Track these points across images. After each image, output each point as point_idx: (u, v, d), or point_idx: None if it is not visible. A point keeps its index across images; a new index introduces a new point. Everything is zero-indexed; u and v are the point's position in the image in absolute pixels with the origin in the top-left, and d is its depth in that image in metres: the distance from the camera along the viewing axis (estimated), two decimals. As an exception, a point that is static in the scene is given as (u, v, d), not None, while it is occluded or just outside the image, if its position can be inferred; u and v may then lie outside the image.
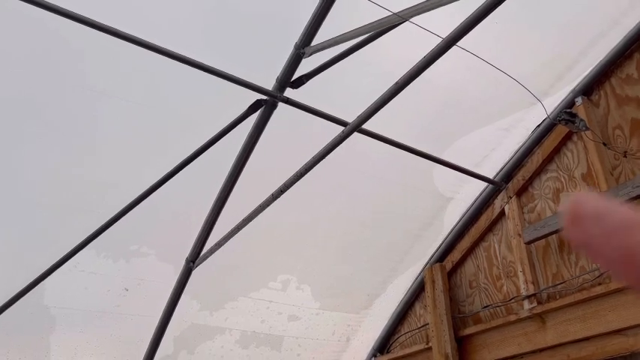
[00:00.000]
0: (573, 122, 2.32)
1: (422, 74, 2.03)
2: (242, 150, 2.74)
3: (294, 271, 3.52)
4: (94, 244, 2.95)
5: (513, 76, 2.97)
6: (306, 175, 2.70)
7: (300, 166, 2.64)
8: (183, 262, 3.25)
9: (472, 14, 1.61)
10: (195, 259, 3.17)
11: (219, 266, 3.28)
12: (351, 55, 2.57)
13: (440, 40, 1.69)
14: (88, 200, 2.72)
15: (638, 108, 2.86)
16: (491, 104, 3.18)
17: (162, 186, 2.66)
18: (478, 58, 1.95)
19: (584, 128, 2.39)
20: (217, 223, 3.00)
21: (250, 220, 2.76)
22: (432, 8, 1.65)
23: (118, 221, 2.84)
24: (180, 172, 2.63)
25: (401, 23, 1.81)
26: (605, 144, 2.72)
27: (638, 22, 2.91)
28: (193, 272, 3.27)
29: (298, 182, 2.73)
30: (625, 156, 2.82)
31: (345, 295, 3.78)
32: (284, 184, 2.56)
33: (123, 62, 2.28)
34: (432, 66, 1.99)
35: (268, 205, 2.63)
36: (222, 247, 2.98)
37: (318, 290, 3.68)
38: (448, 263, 3.70)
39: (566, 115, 2.34)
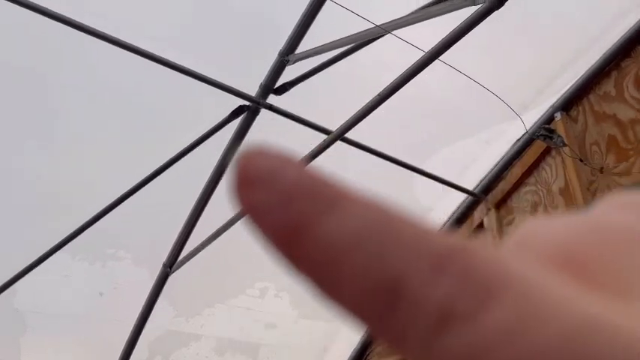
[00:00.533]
0: (551, 138, 2.36)
1: (405, 85, 2.05)
2: (223, 156, 2.72)
3: (273, 278, 3.50)
4: (69, 247, 2.89)
5: (495, 88, 3.01)
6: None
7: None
8: (160, 267, 3.20)
9: (455, 29, 1.63)
10: (172, 264, 3.13)
11: (197, 272, 3.24)
12: (336, 64, 2.59)
13: (423, 53, 1.70)
14: (63, 202, 2.68)
15: (614, 125, 2.91)
16: (472, 116, 3.22)
17: (141, 190, 2.63)
18: (459, 72, 1.97)
19: (561, 144, 2.43)
20: (196, 228, 2.97)
21: (229, 227, 2.75)
22: (415, 22, 1.66)
23: (95, 224, 2.80)
24: (160, 176, 2.61)
25: (383, 35, 1.82)
26: (581, 160, 2.77)
27: (616, 40, 2.97)
28: (170, 278, 3.22)
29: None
30: (601, 172, 2.86)
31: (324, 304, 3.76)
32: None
33: (102, 62, 2.25)
34: (415, 77, 2.01)
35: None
36: (200, 252, 2.95)
37: (296, 298, 3.66)
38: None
39: (544, 130, 2.38)
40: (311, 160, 2.54)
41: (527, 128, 3.25)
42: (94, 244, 2.94)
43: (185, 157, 2.62)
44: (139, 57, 2.18)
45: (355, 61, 2.67)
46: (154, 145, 2.59)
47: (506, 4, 1.70)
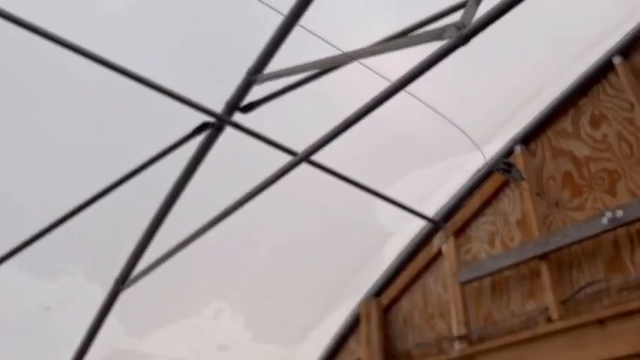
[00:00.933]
0: (510, 172, 2.42)
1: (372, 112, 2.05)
2: (183, 172, 2.67)
3: (228, 299, 3.43)
4: (16, 260, 2.76)
5: (459, 120, 3.07)
6: (249, 203, 2.66)
7: (244, 193, 2.60)
8: (112, 283, 3.09)
9: (421, 62, 1.65)
10: (124, 280, 3.03)
11: (150, 290, 3.14)
12: (304, 86, 2.59)
13: (389, 83, 1.72)
14: (12, 213, 2.56)
15: (570, 161, 3.00)
16: (436, 145, 3.26)
17: (96, 203, 2.54)
18: (423, 103, 2.00)
19: (519, 178, 2.49)
20: (151, 245, 2.89)
21: (185, 246, 2.68)
22: (382, 52, 1.68)
23: (45, 237, 2.68)
24: (117, 190, 2.53)
25: (350, 63, 1.83)
26: (538, 194, 2.84)
27: (575, 79, 3.08)
28: (122, 295, 3.11)
29: (241, 209, 2.68)
30: (557, 206, 2.94)
31: (279, 327, 3.71)
32: (224, 210, 2.50)
33: (62, 71, 2.18)
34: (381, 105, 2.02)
35: (205, 232, 2.56)
36: (155, 270, 2.86)
37: (251, 320, 3.59)
38: (385, 299, 3.71)
39: (503, 164, 2.43)
40: (275, 181, 2.51)
41: (488, 160, 3.32)
42: (42, 258, 2.81)
43: (144, 173, 2.55)
44: (98, 67, 2.12)
45: (325, 85, 2.68)
46: (111, 160, 2.51)
47: (473, 40, 1.74)
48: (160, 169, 2.65)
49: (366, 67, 1.76)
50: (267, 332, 3.69)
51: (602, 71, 2.98)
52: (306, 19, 2.26)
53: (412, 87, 2.47)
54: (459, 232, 3.45)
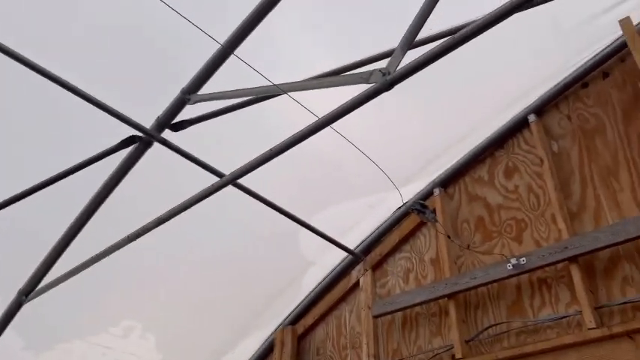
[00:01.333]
0: (424, 213, 2.55)
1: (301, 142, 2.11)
2: (104, 185, 2.60)
3: (140, 317, 3.33)
4: None
5: (386, 159, 3.20)
6: (171, 221, 2.63)
7: (165, 211, 2.57)
8: (15, 294, 2.93)
9: (347, 102, 1.73)
10: (29, 292, 2.88)
11: (57, 303, 3.00)
12: (239, 111, 2.62)
13: (316, 118, 1.79)
14: None
15: (483, 207, 3.19)
16: (362, 181, 3.37)
17: (3, 211, 2.42)
18: (348, 141, 2.08)
19: (433, 220, 2.63)
20: (63, 257, 2.77)
21: (98, 260, 2.60)
22: (311, 88, 1.75)
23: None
24: (28, 198, 2.42)
25: (281, 94, 1.89)
26: (449, 236, 2.99)
27: (493, 131, 3.30)
28: (25, 307, 2.95)
29: (162, 226, 2.64)
30: (468, 248, 3.11)
31: (192, 349, 3.63)
32: (143, 227, 2.45)
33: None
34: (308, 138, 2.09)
35: (120, 247, 2.50)
36: (63, 283, 2.74)
37: (163, 341, 3.49)
38: (300, 327, 3.73)
39: (418, 205, 2.56)
40: (199, 201, 2.51)
41: (409, 199, 3.48)
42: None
43: (66, 184, 2.46)
44: (28, 72, 2.06)
45: (261, 111, 2.73)
46: (29, 167, 2.41)
47: (409, 88, 1.86)
48: (84, 181, 2.57)
49: (295, 100, 1.82)
50: (179, 354, 3.59)
51: (517, 127, 3.22)
52: (253, 47, 2.30)
53: (346, 125, 2.60)
54: (377, 266, 3.55)
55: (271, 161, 2.31)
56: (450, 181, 3.43)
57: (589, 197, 2.75)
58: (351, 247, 3.64)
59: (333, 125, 2.56)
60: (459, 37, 1.48)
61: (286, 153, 2.26)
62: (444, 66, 2.85)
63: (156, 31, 2.39)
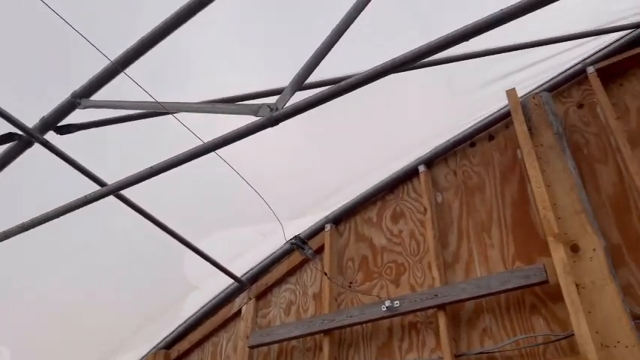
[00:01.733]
0: (303, 248, 2.58)
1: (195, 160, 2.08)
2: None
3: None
4: None
5: (283, 189, 3.22)
6: (47, 229, 2.48)
7: (35, 216, 2.41)
8: None
9: (233, 131, 1.74)
10: None
11: None
12: (139, 123, 2.54)
13: (200, 142, 1.78)
14: None
15: (368, 247, 3.29)
16: (256, 208, 3.36)
17: None
18: (235, 172, 2.07)
19: (311, 256, 2.67)
20: None
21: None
22: (200, 112, 1.74)
23: None
24: None
25: (169, 113, 1.86)
26: (326, 273, 3.05)
27: (387, 176, 3.43)
28: None
29: (33, 232, 2.48)
30: (349, 286, 3.18)
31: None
32: (4, 232, 2.28)
33: None
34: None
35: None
36: None
37: (18, 356, 3.22)
38: (174, 352, 3.60)
39: (298, 240, 2.59)
40: (74, 209, 2.38)
41: (301, 231, 3.52)
42: None
43: None
44: None
45: (156, 126, 2.66)
46: None
47: (308, 118, 1.90)
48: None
49: (180, 122, 1.79)
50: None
51: (409, 175, 3.37)
52: (160, 62, 2.25)
53: (247, 150, 2.62)
54: (262, 296, 3.53)
55: (164, 178, 2.27)
56: (342, 218, 3.52)
57: (463, 249, 2.92)
58: (239, 274, 3.60)
59: (231, 150, 2.57)
60: (343, 85, 1.55)
61: (181, 171, 2.23)
62: (350, 108, 2.97)
63: (60, 32, 2.29)
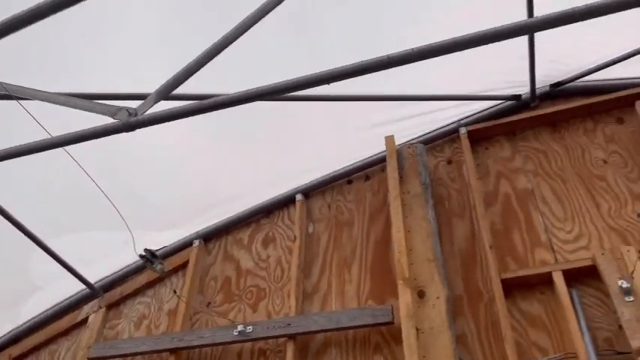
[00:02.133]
0: (152, 262, 2.49)
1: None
2: None
3: None
4: None
5: (151, 201, 3.11)
6: None
7: None
8: None
9: (89, 130, 1.64)
10: None
11: None
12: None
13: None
14: None
15: (234, 269, 3.24)
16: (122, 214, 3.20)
17: None
18: (81, 168, 1.94)
19: (160, 271, 2.58)
20: None
21: None
22: (59, 104, 1.63)
23: None
24: None
25: (10, 98, 1.70)
26: (175, 291, 2.96)
27: (265, 199, 3.42)
28: None
29: None
30: (207, 306, 3.10)
31: None
32: None
33: None
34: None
35: None
36: None
37: None
38: (4, 356, 3.28)
39: (147, 253, 2.50)
40: None
41: (168, 244, 3.40)
42: None
43: None
44: None
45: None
46: None
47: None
48: None
49: (26, 110, 1.65)
50: None
51: (286, 201, 3.39)
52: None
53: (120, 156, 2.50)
54: (113, 306, 3.34)
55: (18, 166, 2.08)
56: (213, 236, 3.44)
57: (323, 282, 2.97)
58: (93, 280, 3.38)
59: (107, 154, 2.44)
60: (206, 104, 1.53)
61: (36, 161, 2.06)
62: (244, 126, 2.93)
63: None
